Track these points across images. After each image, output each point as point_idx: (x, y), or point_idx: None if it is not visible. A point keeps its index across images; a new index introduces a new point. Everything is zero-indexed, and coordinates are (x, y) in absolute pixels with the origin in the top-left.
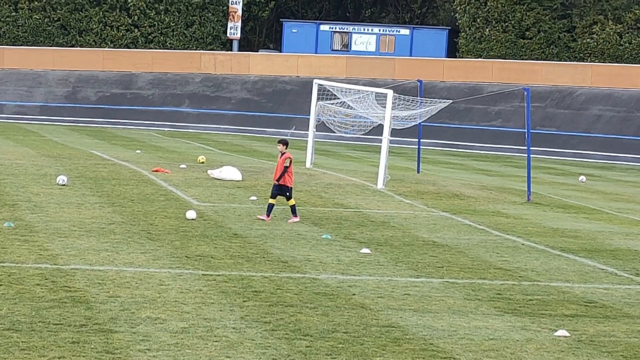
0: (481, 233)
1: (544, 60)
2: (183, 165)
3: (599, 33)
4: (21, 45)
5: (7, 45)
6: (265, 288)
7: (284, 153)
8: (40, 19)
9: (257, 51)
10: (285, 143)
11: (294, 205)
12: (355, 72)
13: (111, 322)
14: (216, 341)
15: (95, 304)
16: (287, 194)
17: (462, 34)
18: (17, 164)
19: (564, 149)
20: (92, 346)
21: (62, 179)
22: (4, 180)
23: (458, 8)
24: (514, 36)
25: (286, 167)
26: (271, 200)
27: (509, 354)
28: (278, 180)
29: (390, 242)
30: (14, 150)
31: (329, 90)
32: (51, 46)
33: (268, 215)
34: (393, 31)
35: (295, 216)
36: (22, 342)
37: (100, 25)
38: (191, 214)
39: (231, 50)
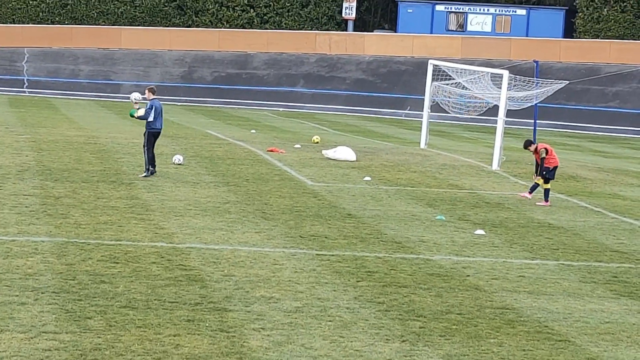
0: (597, 215)
1: None
2: (297, 145)
3: None
4: (138, 25)
5: (124, 25)
6: (378, 268)
7: (535, 151)
8: None
9: (372, 31)
10: (530, 143)
11: (547, 189)
12: (470, 52)
13: (226, 301)
14: (330, 321)
15: (210, 283)
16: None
17: (580, 14)
18: (133, 143)
19: None
20: (207, 324)
21: (178, 158)
22: (120, 159)
23: None
24: (632, 16)
25: (543, 158)
26: (547, 186)
27: (625, 338)
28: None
29: (505, 224)
30: (130, 129)
31: (444, 71)
32: (168, 26)
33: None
34: (509, 11)
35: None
36: (138, 319)
37: (216, 5)
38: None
39: (346, 30)
